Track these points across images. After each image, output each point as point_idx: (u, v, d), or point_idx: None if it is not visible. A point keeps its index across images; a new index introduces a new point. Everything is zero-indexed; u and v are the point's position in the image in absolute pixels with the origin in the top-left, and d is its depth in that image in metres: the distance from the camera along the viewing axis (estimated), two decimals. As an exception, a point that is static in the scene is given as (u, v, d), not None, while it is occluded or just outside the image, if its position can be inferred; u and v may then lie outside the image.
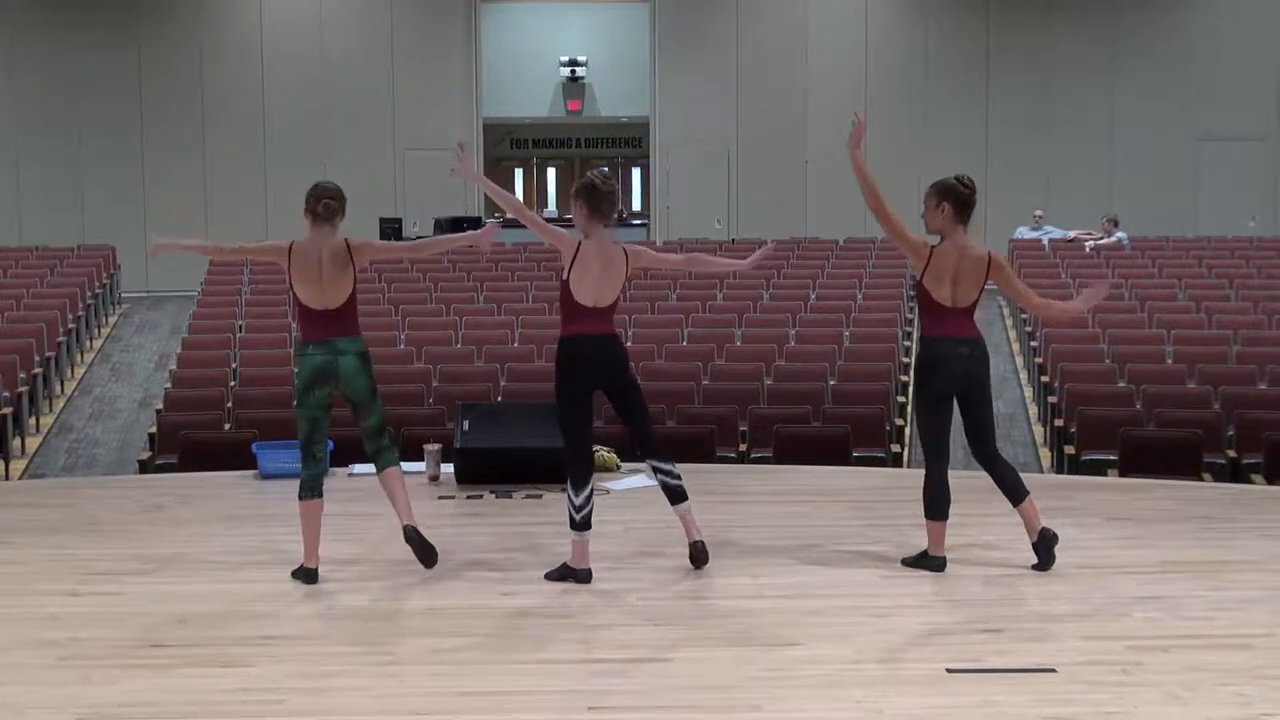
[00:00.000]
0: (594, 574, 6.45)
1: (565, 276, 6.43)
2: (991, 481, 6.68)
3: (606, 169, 6.75)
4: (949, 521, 6.62)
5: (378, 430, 6.63)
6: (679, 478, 6.58)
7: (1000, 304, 17.65)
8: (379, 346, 11.00)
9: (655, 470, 6.58)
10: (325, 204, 6.49)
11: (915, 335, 6.75)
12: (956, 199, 6.50)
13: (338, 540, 6.84)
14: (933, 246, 6.53)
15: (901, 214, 6.58)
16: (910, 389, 6.60)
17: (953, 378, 6.51)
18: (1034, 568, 6.56)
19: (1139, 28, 21.64)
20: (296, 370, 6.54)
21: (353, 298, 6.54)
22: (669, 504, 6.61)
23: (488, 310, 14.92)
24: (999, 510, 6.69)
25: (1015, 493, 6.62)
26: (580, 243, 6.44)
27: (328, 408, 6.54)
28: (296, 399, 6.53)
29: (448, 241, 7.88)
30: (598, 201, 6.43)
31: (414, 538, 6.52)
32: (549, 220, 23.09)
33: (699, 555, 6.57)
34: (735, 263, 7.18)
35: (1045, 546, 6.57)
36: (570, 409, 6.43)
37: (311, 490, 6.50)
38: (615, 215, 6.57)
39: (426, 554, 6.54)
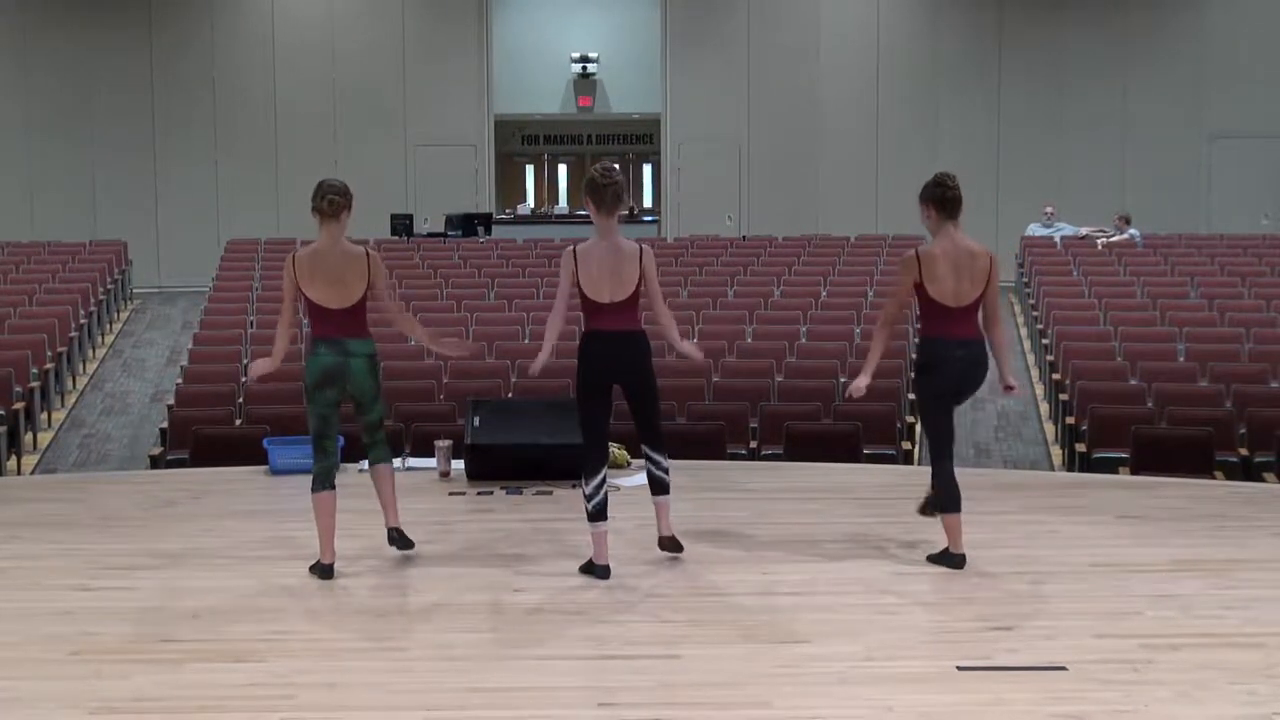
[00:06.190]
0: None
1: (576, 279, 6.55)
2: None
3: (612, 164, 6.77)
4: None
5: (377, 424, 6.77)
6: (667, 471, 6.69)
7: (1011, 300, 17.65)
8: (389, 343, 11.01)
9: (646, 457, 6.67)
10: (330, 200, 6.53)
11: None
12: (935, 199, 6.60)
13: (348, 536, 6.85)
14: (918, 252, 6.56)
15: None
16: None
17: (949, 380, 6.56)
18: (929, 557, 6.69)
19: (1151, 26, 21.57)
20: (306, 369, 6.56)
21: (364, 299, 6.59)
22: (650, 493, 6.70)
23: (498, 307, 14.91)
24: (1009, 508, 6.68)
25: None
26: (576, 246, 6.57)
27: (337, 405, 6.64)
28: (306, 397, 6.57)
29: (420, 332, 7.21)
30: (599, 195, 6.51)
31: (396, 539, 6.76)
32: (560, 218, 22.79)
33: (669, 547, 6.71)
34: (680, 342, 7.08)
35: (946, 562, 6.62)
36: (585, 400, 6.61)
37: (324, 483, 6.55)
38: (622, 206, 6.60)
39: (408, 548, 6.83)
